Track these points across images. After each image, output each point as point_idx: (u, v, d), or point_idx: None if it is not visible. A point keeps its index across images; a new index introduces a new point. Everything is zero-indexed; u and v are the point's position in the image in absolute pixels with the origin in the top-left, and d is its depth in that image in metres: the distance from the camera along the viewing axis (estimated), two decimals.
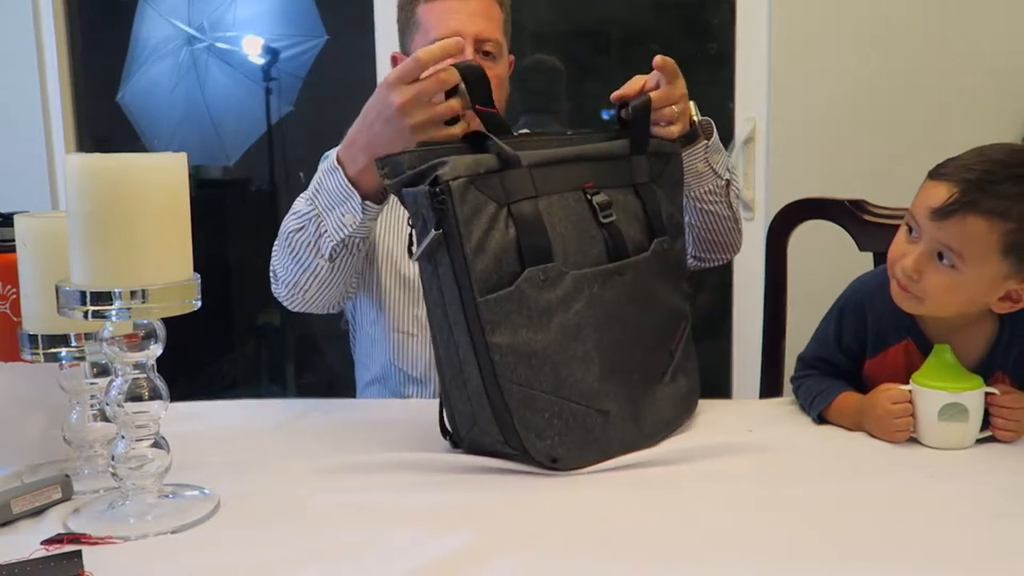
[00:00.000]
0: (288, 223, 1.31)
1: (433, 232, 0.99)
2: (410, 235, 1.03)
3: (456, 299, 1.01)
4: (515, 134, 1.13)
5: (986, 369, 1.15)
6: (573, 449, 1.03)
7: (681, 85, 1.21)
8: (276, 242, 1.35)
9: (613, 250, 1.11)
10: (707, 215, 1.39)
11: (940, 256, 1.08)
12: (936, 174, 1.10)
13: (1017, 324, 1.15)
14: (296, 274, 1.31)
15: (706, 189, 1.35)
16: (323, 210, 1.25)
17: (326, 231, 1.25)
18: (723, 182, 1.36)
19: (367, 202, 1.22)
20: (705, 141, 1.31)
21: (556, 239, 1.05)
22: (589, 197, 1.10)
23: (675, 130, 1.21)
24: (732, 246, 1.46)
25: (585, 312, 1.05)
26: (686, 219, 1.37)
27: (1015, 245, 1.06)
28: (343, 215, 1.23)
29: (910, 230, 1.12)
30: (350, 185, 1.21)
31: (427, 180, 0.99)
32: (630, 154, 1.17)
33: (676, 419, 1.17)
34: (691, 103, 1.26)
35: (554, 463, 1.02)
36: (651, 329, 1.15)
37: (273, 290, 1.37)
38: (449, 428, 1.11)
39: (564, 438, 1.03)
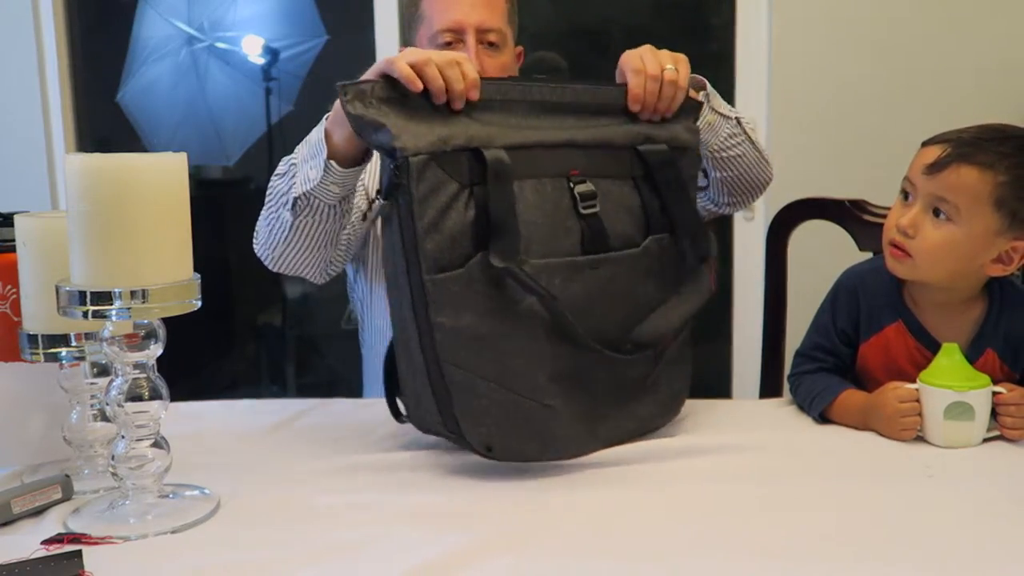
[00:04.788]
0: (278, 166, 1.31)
1: (380, 201, 0.98)
2: (371, 201, 1.03)
3: (404, 275, 0.99)
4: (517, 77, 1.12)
5: (977, 347, 1.17)
6: (510, 439, 1.01)
7: (651, 56, 1.16)
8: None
9: (589, 243, 1.07)
10: (735, 160, 1.34)
11: (936, 212, 1.13)
12: (930, 140, 1.15)
13: (1005, 301, 1.18)
14: (269, 224, 1.30)
15: (724, 135, 1.31)
16: (300, 160, 1.23)
17: (296, 181, 1.23)
18: (734, 121, 1.32)
19: (331, 162, 1.17)
20: (704, 91, 1.27)
21: (522, 226, 1.01)
22: (571, 185, 1.07)
23: (683, 81, 1.17)
24: (765, 181, 1.40)
25: (541, 303, 1.02)
26: (716, 174, 1.34)
27: (1007, 198, 1.10)
28: (311, 168, 1.20)
29: (905, 197, 1.16)
30: (323, 139, 1.18)
31: (386, 147, 0.98)
32: (638, 144, 1.13)
33: (649, 423, 1.13)
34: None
35: (489, 452, 1.01)
36: (629, 328, 1.10)
37: (253, 245, 1.36)
38: (400, 407, 1.11)
39: (502, 427, 1.01)
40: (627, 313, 1.10)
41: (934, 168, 1.12)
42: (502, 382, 1.00)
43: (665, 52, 1.19)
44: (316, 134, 1.21)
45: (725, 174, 1.35)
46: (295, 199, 1.22)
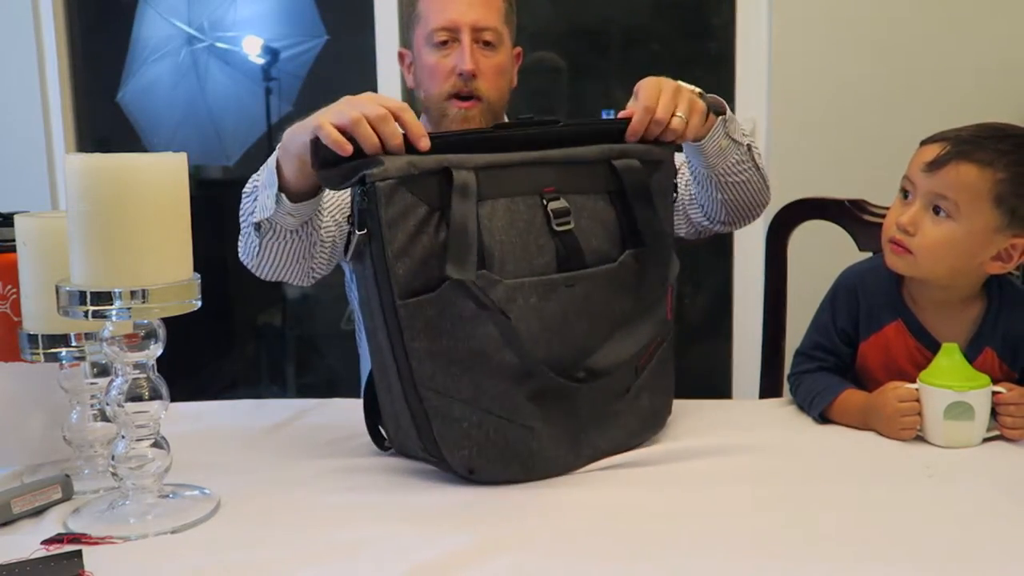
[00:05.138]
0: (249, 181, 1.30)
1: (357, 233, 0.97)
2: (348, 232, 1.00)
3: (377, 301, 0.98)
4: (499, 125, 1.10)
5: (976, 346, 1.18)
6: (492, 462, 1.00)
7: (669, 96, 1.13)
8: None
9: (564, 260, 1.04)
10: (739, 186, 1.33)
11: (936, 210, 1.13)
12: (929, 139, 1.16)
13: (1004, 300, 1.19)
14: (243, 239, 1.30)
15: (732, 161, 1.29)
16: (261, 184, 1.21)
17: (256, 206, 1.21)
18: (745, 148, 1.30)
19: (281, 194, 1.14)
20: (723, 116, 1.25)
21: (494, 246, 0.99)
22: (545, 203, 1.04)
23: (689, 132, 1.16)
24: (762, 204, 1.39)
25: (517, 323, 0.99)
26: (718, 195, 1.33)
27: (1006, 195, 1.10)
28: (267, 197, 1.17)
29: (905, 196, 1.17)
30: (275, 171, 1.14)
31: (357, 177, 0.97)
32: (612, 159, 1.09)
33: (631, 439, 1.10)
34: (693, 88, 1.20)
35: (471, 474, 1.00)
36: (608, 343, 1.07)
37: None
38: (382, 431, 1.10)
39: (483, 450, 0.99)
40: (605, 331, 1.07)
41: (933, 166, 1.12)
42: (481, 405, 0.99)
43: (685, 95, 1.15)
44: (272, 161, 1.16)
45: (726, 196, 1.34)
46: (257, 224, 1.21)
